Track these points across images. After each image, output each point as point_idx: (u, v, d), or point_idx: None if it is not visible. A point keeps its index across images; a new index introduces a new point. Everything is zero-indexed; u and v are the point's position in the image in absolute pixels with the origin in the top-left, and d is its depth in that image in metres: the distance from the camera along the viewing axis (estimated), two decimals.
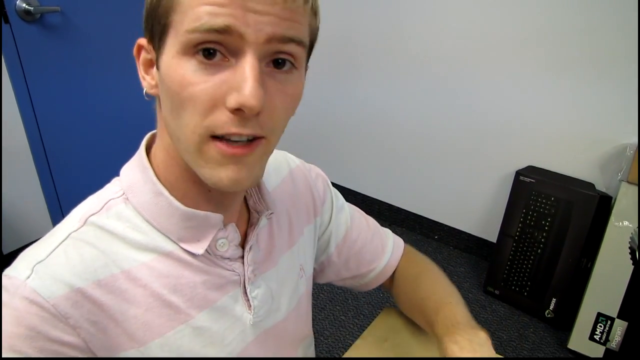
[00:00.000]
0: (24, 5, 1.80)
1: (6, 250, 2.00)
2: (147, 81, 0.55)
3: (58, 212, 2.19)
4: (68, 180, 2.20)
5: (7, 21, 1.79)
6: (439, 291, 0.81)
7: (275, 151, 0.77)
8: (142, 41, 0.53)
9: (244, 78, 0.46)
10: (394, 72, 2.51)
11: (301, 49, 0.50)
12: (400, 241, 0.94)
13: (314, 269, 0.87)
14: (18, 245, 2.09)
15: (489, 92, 2.24)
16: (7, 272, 0.51)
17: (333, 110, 2.83)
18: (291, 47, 0.49)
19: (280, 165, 0.78)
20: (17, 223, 2.08)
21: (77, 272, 0.52)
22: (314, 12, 0.51)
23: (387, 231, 0.93)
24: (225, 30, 0.45)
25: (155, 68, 0.53)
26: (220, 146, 0.49)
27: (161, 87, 0.51)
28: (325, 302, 2.14)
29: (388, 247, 0.90)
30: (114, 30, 2.15)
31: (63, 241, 0.53)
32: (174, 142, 0.54)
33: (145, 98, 0.57)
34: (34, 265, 0.51)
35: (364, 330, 0.91)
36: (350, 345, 0.87)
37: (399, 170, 2.70)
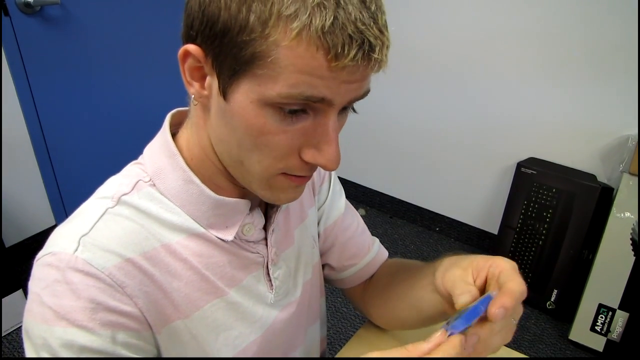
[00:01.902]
0: None
1: (8, 243, 2.00)
2: (196, 89, 0.52)
3: (60, 206, 2.19)
4: (69, 174, 2.20)
5: (7, 14, 1.78)
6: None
7: None
8: (194, 50, 0.49)
9: (326, 140, 0.49)
10: (396, 66, 2.50)
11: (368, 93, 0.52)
12: (385, 251, 0.89)
13: None
14: (20, 238, 2.10)
15: (491, 84, 2.23)
16: (47, 250, 0.51)
17: None
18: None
19: None
20: (19, 216, 2.08)
21: (124, 243, 0.52)
22: None
23: (375, 238, 0.90)
24: (319, 101, 0.46)
25: (210, 82, 0.50)
26: (291, 180, 0.54)
27: (225, 116, 0.50)
28: (327, 294, 2.14)
29: (373, 249, 0.86)
30: (115, 23, 2.14)
31: (102, 216, 0.53)
32: (228, 158, 0.55)
33: (193, 102, 0.55)
34: (80, 238, 0.50)
35: (365, 321, 0.91)
36: (351, 336, 0.88)
37: (401, 162, 2.70)
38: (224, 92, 0.49)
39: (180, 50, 0.50)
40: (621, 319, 1.82)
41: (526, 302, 2.06)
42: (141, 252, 0.53)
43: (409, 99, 2.52)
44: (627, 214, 1.78)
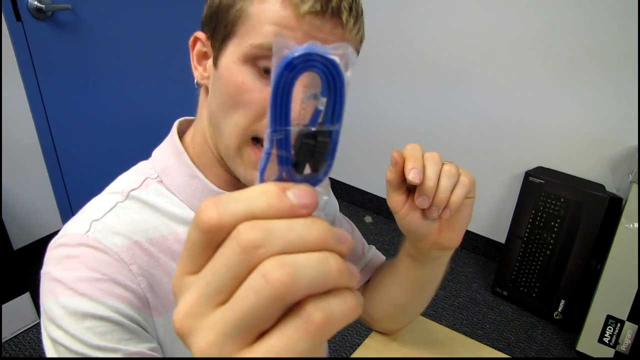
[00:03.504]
0: (35, 3, 1.81)
1: (16, 246, 2.01)
2: (199, 72, 0.59)
3: (67, 209, 2.21)
4: (77, 177, 2.21)
5: (19, 19, 1.80)
6: None
7: None
8: (201, 35, 0.58)
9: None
10: (403, 72, 2.51)
11: None
12: (381, 256, 0.90)
13: None
14: (28, 241, 2.11)
15: (499, 93, 2.23)
16: (60, 235, 0.54)
17: None
18: None
19: None
20: (27, 219, 2.09)
21: (133, 229, 0.56)
22: (360, 40, 0.57)
23: (372, 246, 0.91)
24: None
25: (210, 62, 0.57)
26: (258, 151, 0.55)
27: (215, 83, 0.56)
28: None
29: (369, 254, 0.87)
30: (124, 29, 2.16)
31: (112, 208, 0.57)
32: (215, 133, 0.58)
33: (195, 87, 0.62)
34: (91, 222, 0.54)
35: (371, 330, 0.90)
36: (359, 344, 0.87)
37: None
38: (216, 61, 0.56)
39: (191, 38, 0.59)
40: (630, 331, 1.80)
41: (533, 312, 2.05)
42: (148, 238, 0.56)
43: (416, 105, 2.52)
44: (636, 225, 1.76)
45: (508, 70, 2.17)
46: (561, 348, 1.99)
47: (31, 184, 2.06)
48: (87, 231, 0.53)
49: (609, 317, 1.83)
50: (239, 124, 0.54)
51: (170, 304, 0.57)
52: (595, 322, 1.86)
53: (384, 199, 2.70)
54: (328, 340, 1.82)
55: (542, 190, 2.05)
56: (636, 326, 1.79)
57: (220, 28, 0.54)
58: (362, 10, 0.55)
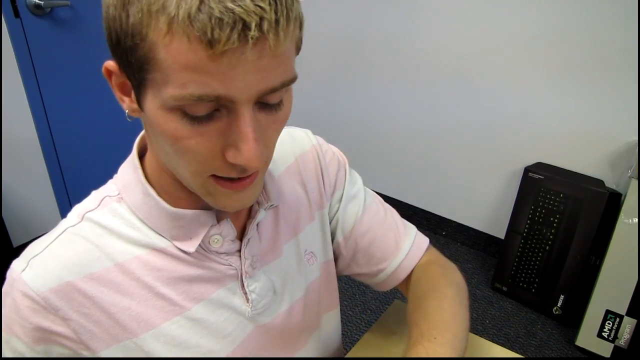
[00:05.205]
0: None
1: (15, 243, 2.01)
2: (127, 104, 0.50)
3: (67, 206, 2.21)
4: (77, 175, 2.21)
5: (17, 15, 1.80)
6: (433, 318, 0.68)
7: (296, 129, 0.76)
8: (112, 66, 0.48)
9: (242, 137, 0.45)
10: (402, 70, 2.50)
11: (292, 82, 0.47)
12: (422, 242, 0.84)
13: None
14: (27, 238, 2.11)
15: (498, 89, 2.23)
16: (12, 263, 0.55)
17: (342, 108, 2.82)
18: (283, 90, 0.46)
19: (293, 146, 0.74)
20: (27, 217, 2.09)
21: (69, 265, 0.54)
22: (300, 29, 0.46)
23: (411, 229, 0.84)
24: (215, 99, 0.42)
25: (134, 98, 0.49)
26: (224, 184, 0.50)
27: (149, 126, 0.49)
28: None
29: (403, 248, 0.80)
30: None
31: (59, 236, 0.56)
32: (171, 168, 0.53)
33: (127, 119, 0.54)
34: (30, 259, 0.54)
35: (370, 325, 0.90)
36: (357, 340, 0.87)
37: (408, 166, 2.70)
38: (139, 103, 0.47)
39: (103, 68, 0.49)
40: (629, 325, 1.80)
41: (533, 307, 2.05)
42: (87, 274, 0.54)
43: (416, 102, 2.52)
44: (635, 220, 1.76)
45: (507, 67, 2.17)
46: (560, 343, 1.99)
47: (31, 181, 2.06)
48: (23, 270, 0.52)
49: (608, 311, 1.84)
50: (190, 169, 0.48)
51: (112, 338, 0.55)
52: (594, 317, 1.87)
53: (383, 196, 2.69)
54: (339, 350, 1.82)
55: (542, 186, 2.05)
56: (635, 321, 1.79)
57: (129, 69, 0.45)
58: (293, 2, 0.43)
